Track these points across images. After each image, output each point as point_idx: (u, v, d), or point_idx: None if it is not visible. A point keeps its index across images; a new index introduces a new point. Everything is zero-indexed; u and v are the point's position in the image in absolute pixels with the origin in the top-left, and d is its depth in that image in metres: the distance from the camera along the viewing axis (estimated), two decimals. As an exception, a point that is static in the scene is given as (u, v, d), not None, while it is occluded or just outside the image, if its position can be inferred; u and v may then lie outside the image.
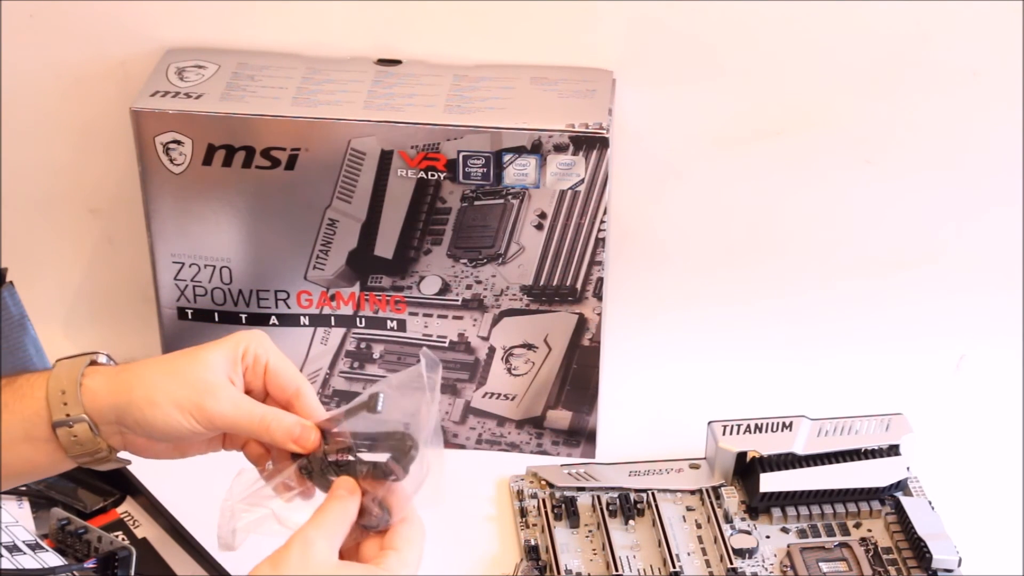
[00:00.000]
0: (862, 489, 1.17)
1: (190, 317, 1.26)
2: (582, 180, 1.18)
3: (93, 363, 0.98)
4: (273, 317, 1.26)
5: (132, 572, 1.10)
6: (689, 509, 1.19)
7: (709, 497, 1.18)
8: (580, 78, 1.23)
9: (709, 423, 1.21)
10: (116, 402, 0.97)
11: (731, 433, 1.19)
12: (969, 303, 1.37)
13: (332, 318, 1.26)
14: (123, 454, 0.99)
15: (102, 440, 0.97)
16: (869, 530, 1.16)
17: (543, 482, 1.22)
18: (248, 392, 1.00)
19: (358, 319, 1.26)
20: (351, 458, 0.95)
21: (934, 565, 1.11)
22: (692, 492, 1.20)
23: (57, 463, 0.98)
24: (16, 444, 0.97)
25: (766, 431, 1.18)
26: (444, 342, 1.26)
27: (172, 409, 0.96)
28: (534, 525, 1.19)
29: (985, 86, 1.26)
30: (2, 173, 1.35)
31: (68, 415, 0.96)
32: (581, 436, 1.29)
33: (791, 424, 1.19)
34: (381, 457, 0.94)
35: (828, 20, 1.24)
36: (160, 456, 1.00)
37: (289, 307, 1.25)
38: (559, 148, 1.17)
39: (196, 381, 0.97)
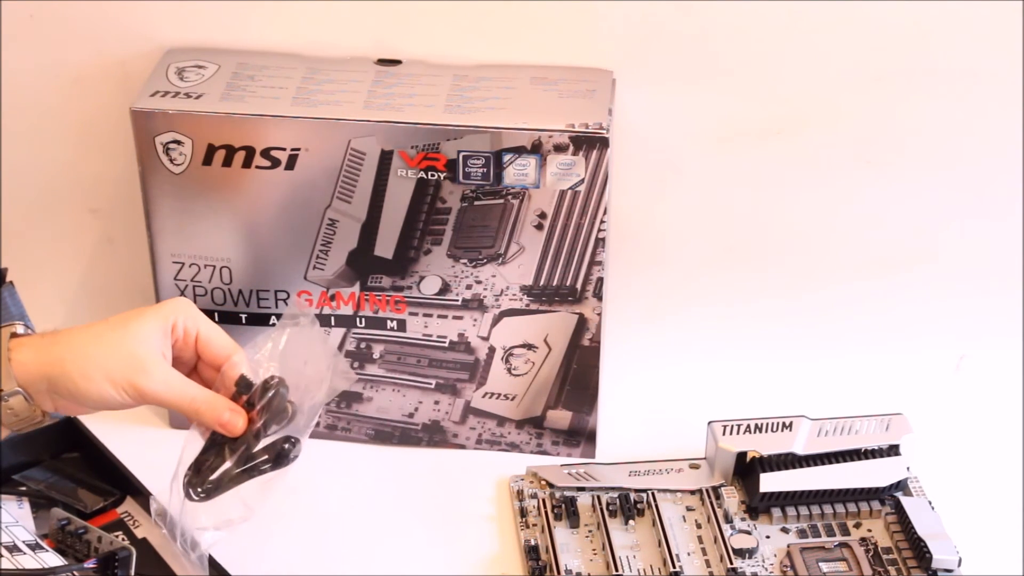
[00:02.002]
0: (862, 489, 1.17)
1: (190, 317, 1.26)
2: (582, 180, 1.18)
3: (14, 335, 1.00)
4: (273, 317, 1.26)
5: (132, 572, 1.10)
6: (689, 509, 1.19)
7: (709, 497, 1.18)
8: (580, 78, 1.23)
9: (709, 423, 1.21)
10: (48, 372, 0.99)
11: (731, 433, 1.19)
12: (969, 303, 1.37)
13: (332, 318, 1.26)
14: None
15: (37, 407, 0.99)
16: (869, 530, 1.16)
17: (543, 482, 1.22)
18: (177, 360, 1.03)
19: (358, 319, 1.26)
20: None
21: (934, 565, 1.10)
22: (692, 492, 1.20)
23: None
24: None
25: (766, 431, 1.18)
26: (444, 342, 1.26)
27: (105, 383, 0.98)
28: (534, 525, 1.19)
29: (985, 86, 1.26)
30: (2, 173, 1.35)
31: (2, 390, 0.98)
32: (581, 436, 1.29)
33: (791, 424, 1.19)
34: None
35: (828, 20, 1.24)
36: (86, 413, 1.04)
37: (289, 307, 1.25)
38: (559, 148, 1.17)
39: (128, 356, 0.99)
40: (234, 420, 1.02)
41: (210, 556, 1.11)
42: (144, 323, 1.01)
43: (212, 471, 1.03)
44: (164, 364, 1.01)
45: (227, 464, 1.03)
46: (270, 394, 1.03)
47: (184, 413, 1.02)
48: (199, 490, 1.03)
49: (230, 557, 1.13)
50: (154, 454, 1.11)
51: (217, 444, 1.03)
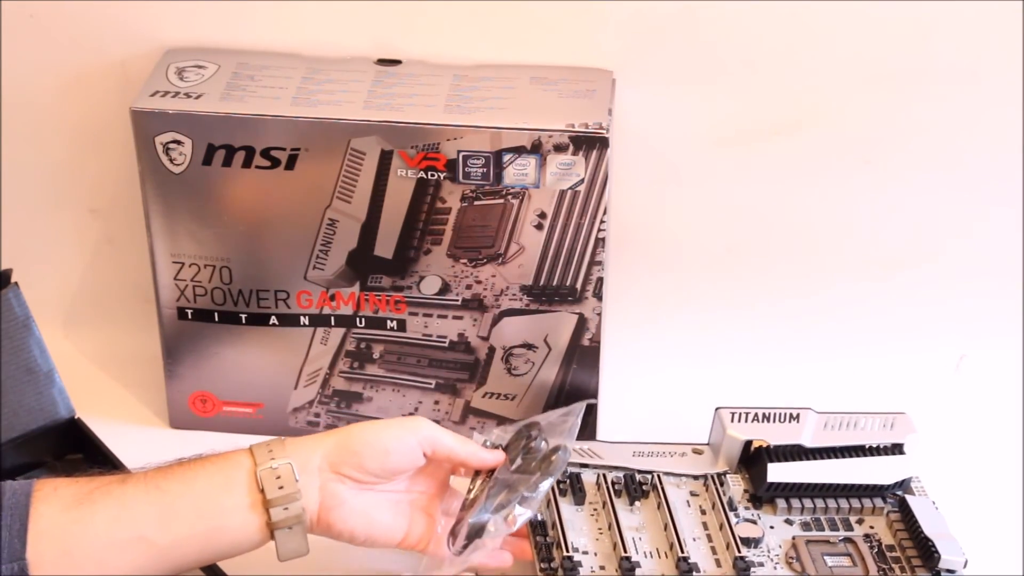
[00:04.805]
0: (866, 485, 1.17)
1: (190, 317, 1.26)
2: (582, 180, 1.18)
3: None
4: (273, 317, 1.26)
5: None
6: (693, 494, 1.18)
7: (714, 483, 1.17)
8: (580, 78, 1.23)
9: (716, 409, 1.19)
10: (337, 436, 1.04)
11: (739, 421, 1.18)
12: (969, 303, 1.37)
13: (332, 318, 1.26)
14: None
15: (299, 489, 1.00)
16: (872, 527, 1.16)
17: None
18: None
19: (358, 319, 1.26)
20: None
21: (941, 565, 1.10)
22: (696, 477, 1.19)
23: (250, 519, 1.00)
24: (216, 492, 1.00)
25: (773, 421, 1.18)
26: (444, 342, 1.26)
27: (405, 432, 1.05)
28: (540, 500, 1.18)
29: (985, 86, 1.26)
30: (2, 173, 1.35)
31: (273, 459, 1.01)
32: (581, 436, 1.29)
33: (798, 416, 1.18)
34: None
35: (828, 20, 1.24)
36: (349, 519, 1.04)
37: (289, 307, 1.25)
38: (559, 148, 1.17)
39: (420, 419, 1.08)
40: (496, 456, 1.10)
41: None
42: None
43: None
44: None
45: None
46: (524, 440, 1.11)
47: (465, 458, 1.09)
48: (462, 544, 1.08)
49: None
50: (155, 455, 1.10)
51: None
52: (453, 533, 1.07)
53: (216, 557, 1.02)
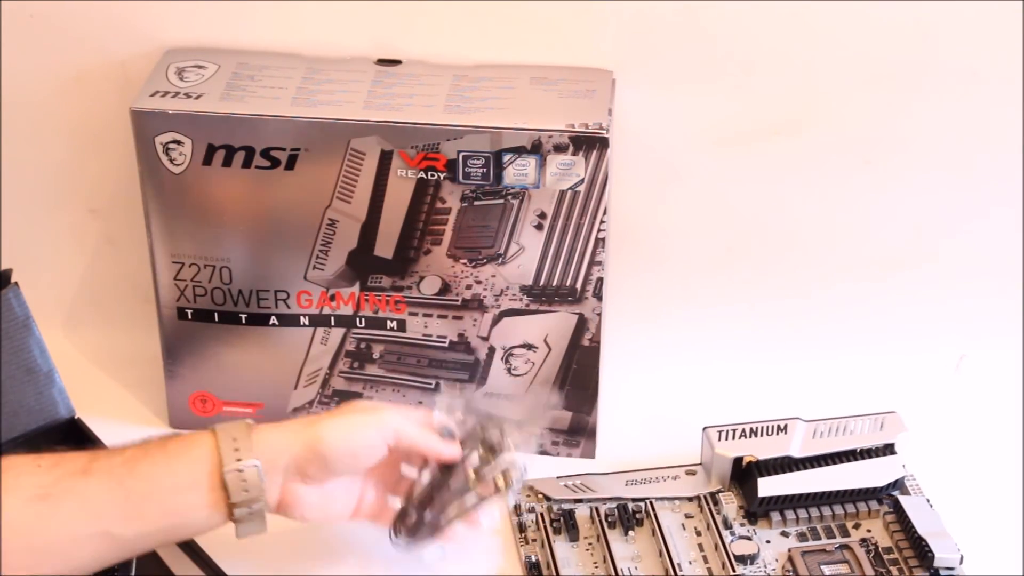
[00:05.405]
0: (860, 490, 1.17)
1: (190, 317, 1.26)
2: (582, 180, 1.18)
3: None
4: (273, 317, 1.26)
5: (132, 574, 1.10)
6: (688, 516, 1.18)
7: (707, 503, 1.18)
8: (580, 78, 1.23)
9: (704, 429, 1.20)
10: (306, 436, 1.04)
11: (726, 438, 1.18)
12: (969, 303, 1.37)
13: (332, 318, 1.26)
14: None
15: (265, 488, 1.01)
16: (868, 530, 1.16)
17: (540, 495, 1.21)
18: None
19: (358, 319, 1.26)
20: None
21: (936, 564, 1.10)
22: (690, 499, 1.19)
23: (214, 516, 1.01)
24: (181, 491, 1.00)
25: (761, 435, 1.18)
26: (444, 342, 1.26)
27: (373, 432, 1.06)
28: (534, 540, 1.17)
29: (985, 86, 1.26)
30: (2, 173, 1.35)
31: (240, 459, 1.01)
32: (581, 436, 1.29)
33: (786, 427, 1.18)
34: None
35: (827, 20, 1.24)
36: (306, 512, 1.07)
37: (289, 307, 1.25)
38: (559, 148, 1.17)
39: (385, 411, 1.09)
40: (454, 450, 1.10)
41: (209, 557, 1.12)
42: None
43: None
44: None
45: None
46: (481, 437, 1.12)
47: (426, 449, 1.09)
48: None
49: (229, 557, 1.13)
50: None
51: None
52: (398, 523, 1.10)
53: (175, 542, 1.09)
